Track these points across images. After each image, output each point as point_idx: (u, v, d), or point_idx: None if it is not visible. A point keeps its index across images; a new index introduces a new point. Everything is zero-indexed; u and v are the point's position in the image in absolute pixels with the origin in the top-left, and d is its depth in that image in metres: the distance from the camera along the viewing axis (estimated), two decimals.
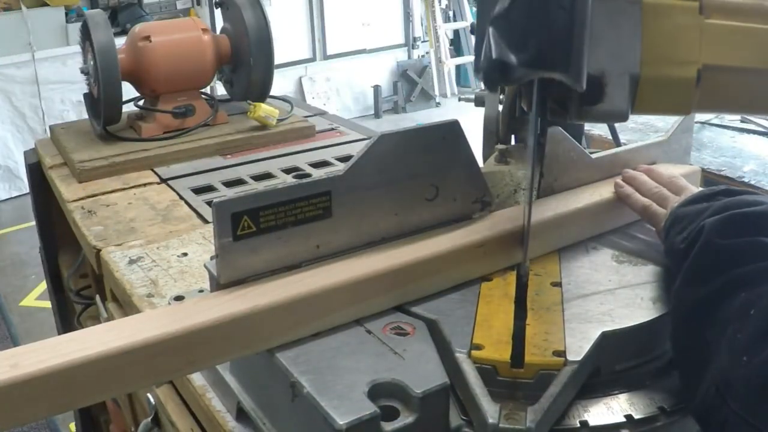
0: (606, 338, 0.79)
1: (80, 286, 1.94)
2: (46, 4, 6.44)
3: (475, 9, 9.37)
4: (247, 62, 2.00)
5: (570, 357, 0.76)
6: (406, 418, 0.71)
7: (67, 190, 1.72)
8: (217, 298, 0.80)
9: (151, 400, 1.14)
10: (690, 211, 0.87)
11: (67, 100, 6.42)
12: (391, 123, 8.16)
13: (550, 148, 1.03)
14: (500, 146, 1.20)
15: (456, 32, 9.41)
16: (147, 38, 1.88)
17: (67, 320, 2.19)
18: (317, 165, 1.82)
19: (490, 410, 0.71)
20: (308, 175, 1.74)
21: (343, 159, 1.83)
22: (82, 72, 1.90)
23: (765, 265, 0.71)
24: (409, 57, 8.93)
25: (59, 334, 2.24)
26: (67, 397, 0.70)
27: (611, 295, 0.88)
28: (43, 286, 3.64)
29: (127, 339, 0.72)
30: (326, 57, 8.32)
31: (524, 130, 1.13)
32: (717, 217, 0.79)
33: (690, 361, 0.73)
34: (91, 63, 1.82)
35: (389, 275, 0.86)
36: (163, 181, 1.76)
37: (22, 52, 6.23)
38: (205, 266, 0.87)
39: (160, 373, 0.76)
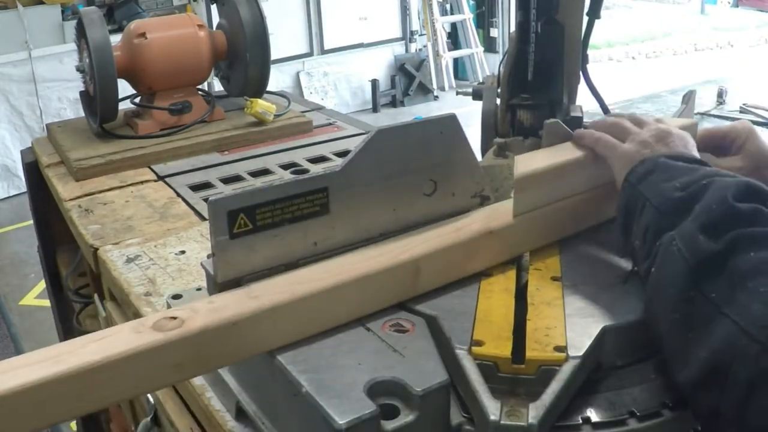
0: (607, 333, 0.79)
1: (79, 284, 1.94)
2: (42, 2, 6.43)
3: (472, 2, 9.36)
4: (243, 58, 1.99)
5: (571, 352, 0.75)
6: (406, 417, 0.70)
7: (64, 188, 1.71)
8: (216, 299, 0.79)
9: (151, 399, 1.14)
10: (682, 168, 0.83)
11: (64, 98, 6.42)
12: (389, 117, 8.15)
13: (549, 141, 1.02)
14: (499, 140, 1.19)
15: (453, 25, 9.39)
16: (142, 35, 1.87)
17: (66, 319, 2.19)
18: (315, 160, 1.82)
19: (492, 407, 0.70)
20: (306, 171, 1.73)
21: (341, 154, 1.82)
22: (78, 70, 1.89)
23: None
24: (407, 51, 8.91)
25: (59, 332, 2.26)
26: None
27: (612, 290, 0.87)
28: (43, 284, 3.63)
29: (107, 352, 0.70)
30: (324, 52, 8.31)
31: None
32: (730, 180, 0.77)
33: (691, 316, 0.71)
34: (87, 61, 1.81)
35: (395, 271, 0.85)
36: (161, 178, 1.75)
37: (19, 50, 6.23)
38: (201, 265, 0.87)
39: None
